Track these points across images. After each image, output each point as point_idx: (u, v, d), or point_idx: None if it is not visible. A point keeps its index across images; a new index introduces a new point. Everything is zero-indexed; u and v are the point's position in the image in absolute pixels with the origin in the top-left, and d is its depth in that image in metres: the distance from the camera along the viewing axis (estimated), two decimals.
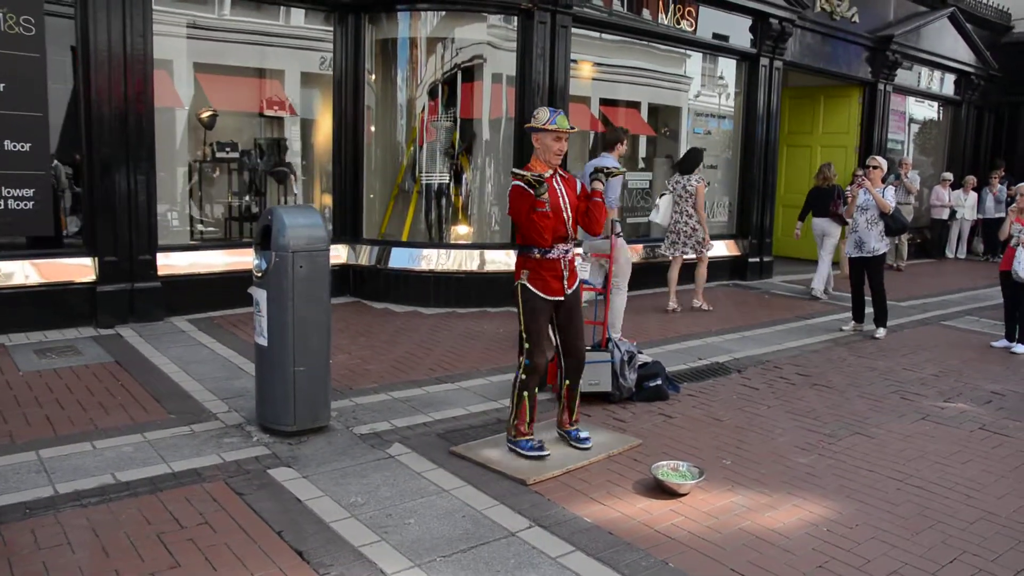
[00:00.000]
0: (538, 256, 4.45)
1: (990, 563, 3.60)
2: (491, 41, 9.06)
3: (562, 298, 4.54)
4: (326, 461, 4.49)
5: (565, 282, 4.53)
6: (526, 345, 4.50)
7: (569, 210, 4.50)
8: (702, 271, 9.34)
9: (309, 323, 4.71)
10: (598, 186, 4.59)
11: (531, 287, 4.47)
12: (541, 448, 4.55)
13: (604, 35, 10.11)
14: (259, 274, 4.76)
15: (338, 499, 4.01)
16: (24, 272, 7.09)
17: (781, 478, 4.47)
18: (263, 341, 4.78)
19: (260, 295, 4.75)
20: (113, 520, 3.75)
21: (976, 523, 4.00)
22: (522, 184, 4.39)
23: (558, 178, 4.54)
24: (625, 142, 7.09)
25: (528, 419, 4.57)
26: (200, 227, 8.82)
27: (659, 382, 5.75)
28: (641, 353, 5.95)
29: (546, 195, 4.34)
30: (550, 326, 4.65)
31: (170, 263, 7.84)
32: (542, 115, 4.47)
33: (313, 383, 4.78)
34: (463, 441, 4.82)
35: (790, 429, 5.29)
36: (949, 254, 15.43)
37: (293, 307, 4.65)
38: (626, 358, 5.66)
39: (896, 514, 4.06)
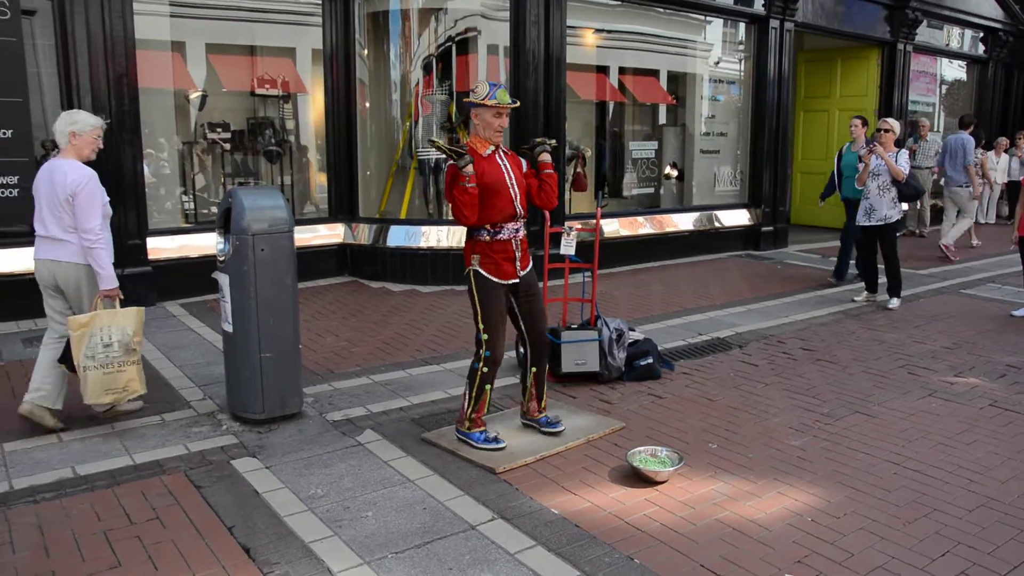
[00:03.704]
0: (487, 239, 4.17)
1: (986, 556, 3.33)
2: (484, 12, 8.77)
3: (516, 280, 4.27)
4: (292, 450, 4.33)
5: (518, 263, 4.25)
6: (484, 336, 4.21)
7: (516, 187, 4.19)
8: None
9: (274, 308, 4.53)
10: (546, 158, 4.31)
11: (483, 272, 4.19)
12: (497, 439, 4.29)
13: (612, 1, 9.74)
14: (222, 258, 4.58)
15: (297, 491, 3.85)
16: (11, 260, 6.99)
17: (769, 463, 4.22)
18: (228, 328, 4.63)
19: (223, 280, 4.58)
20: (63, 516, 3.62)
21: (975, 511, 3.72)
22: (456, 162, 4.07)
23: (501, 154, 4.23)
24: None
25: (486, 412, 4.35)
26: (193, 209, 8.67)
27: (650, 360, 5.51)
28: (633, 330, 5.71)
29: (469, 168, 4.01)
30: (510, 313, 4.38)
31: (162, 246, 7.72)
32: (481, 89, 4.09)
33: (281, 369, 4.61)
34: (438, 427, 4.63)
35: (786, 409, 5.03)
36: (980, 219, 14.85)
37: (256, 292, 4.47)
38: (615, 336, 5.43)
39: (889, 501, 3.80)
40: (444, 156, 4.06)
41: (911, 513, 3.69)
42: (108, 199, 4.59)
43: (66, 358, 4.44)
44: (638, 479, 3.97)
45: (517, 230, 4.24)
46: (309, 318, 7.07)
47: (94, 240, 4.37)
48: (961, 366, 5.95)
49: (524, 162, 4.36)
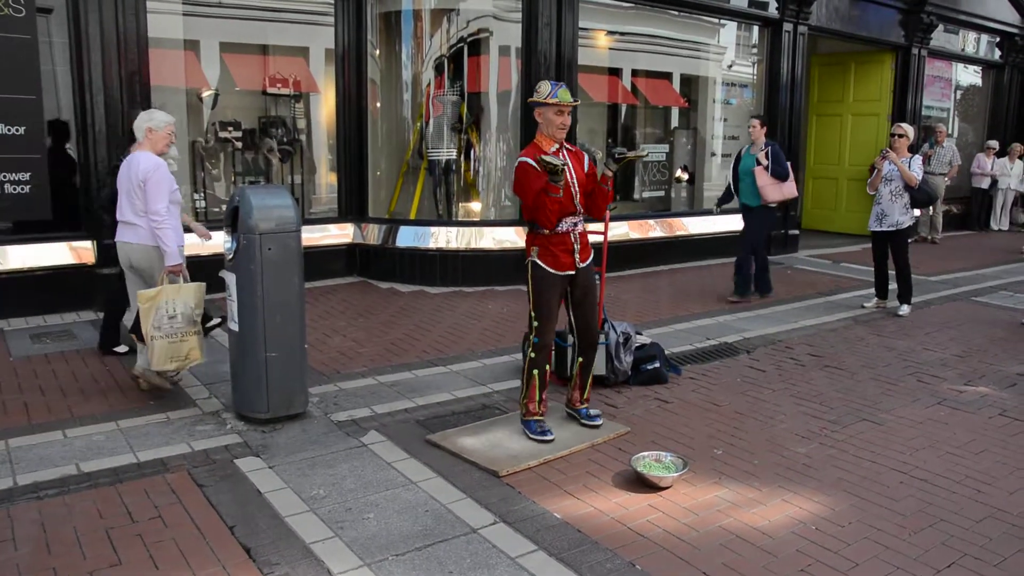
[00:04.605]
0: (547, 232, 4.36)
1: (992, 568, 3.29)
2: (496, 13, 8.76)
3: (573, 272, 4.44)
4: (296, 450, 4.33)
5: (576, 256, 4.43)
6: (535, 323, 4.41)
7: (576, 185, 4.38)
8: None
9: (280, 307, 4.53)
10: (608, 172, 4.47)
11: (541, 263, 4.38)
12: (544, 433, 4.44)
13: (624, 3, 9.72)
14: (229, 257, 4.59)
15: (300, 491, 3.84)
16: (23, 256, 7.04)
17: (774, 470, 4.19)
18: (234, 326, 4.63)
19: (230, 279, 4.58)
20: (66, 513, 3.63)
21: (983, 521, 3.68)
22: (530, 162, 4.26)
23: (564, 153, 4.40)
24: None
25: (538, 398, 4.47)
26: (204, 207, 8.70)
27: (657, 365, 5.48)
28: (639, 334, 5.69)
29: (563, 182, 4.22)
30: (564, 303, 4.58)
31: None
32: (544, 88, 4.33)
33: (287, 369, 4.61)
34: (442, 428, 4.62)
35: (792, 415, 4.99)
36: (994, 226, 14.77)
37: (263, 291, 4.47)
38: (621, 340, 5.40)
39: (895, 511, 3.76)
40: (545, 165, 4.18)
41: (917, 523, 3.65)
42: (177, 187, 5.07)
43: (136, 328, 4.87)
44: (642, 484, 3.95)
45: (575, 224, 4.43)
46: (317, 318, 7.08)
47: (160, 221, 4.86)
48: (971, 374, 5.89)
49: (587, 160, 4.53)
